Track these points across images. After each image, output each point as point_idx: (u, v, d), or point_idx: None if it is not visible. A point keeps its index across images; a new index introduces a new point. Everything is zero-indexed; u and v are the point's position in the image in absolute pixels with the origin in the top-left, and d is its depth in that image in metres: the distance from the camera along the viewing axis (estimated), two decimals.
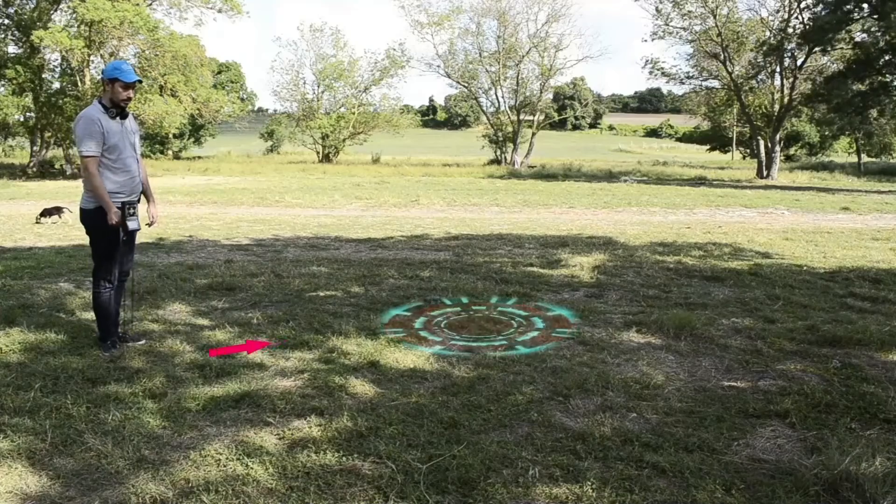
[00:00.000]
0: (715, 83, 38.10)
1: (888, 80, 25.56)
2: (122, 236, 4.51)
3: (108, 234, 4.45)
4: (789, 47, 31.32)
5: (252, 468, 2.92)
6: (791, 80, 32.25)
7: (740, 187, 24.71)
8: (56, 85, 31.11)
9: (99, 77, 29.26)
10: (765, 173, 32.01)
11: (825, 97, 27.50)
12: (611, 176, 31.01)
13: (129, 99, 4.43)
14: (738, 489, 2.80)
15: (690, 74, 37.54)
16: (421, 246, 9.72)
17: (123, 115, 4.48)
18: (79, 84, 28.60)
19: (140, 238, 11.03)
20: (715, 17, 32.55)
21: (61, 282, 6.79)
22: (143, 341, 4.73)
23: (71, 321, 5.24)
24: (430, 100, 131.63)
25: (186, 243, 9.93)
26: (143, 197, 4.74)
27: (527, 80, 42.98)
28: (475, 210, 15.90)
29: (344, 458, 3.02)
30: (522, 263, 8.06)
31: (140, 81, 4.52)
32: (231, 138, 62.00)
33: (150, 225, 4.88)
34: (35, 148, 31.84)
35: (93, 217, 4.46)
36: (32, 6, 30.01)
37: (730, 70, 33.42)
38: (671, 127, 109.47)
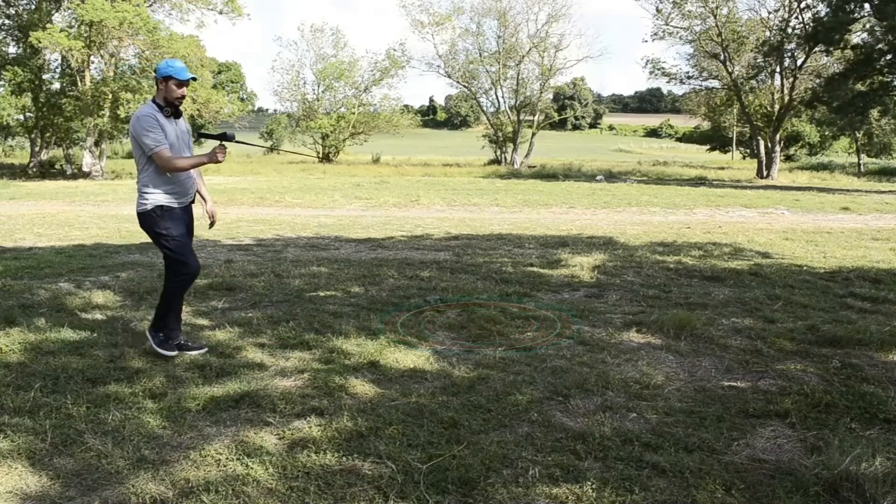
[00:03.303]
0: (715, 83, 38.13)
1: (888, 79, 25.54)
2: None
3: (172, 231, 4.30)
4: (789, 47, 31.32)
5: (252, 468, 2.92)
6: (791, 80, 32.26)
7: (740, 187, 24.71)
8: (56, 85, 31.10)
9: (99, 78, 29.36)
10: (765, 173, 32.03)
11: (825, 99, 27.49)
12: (611, 175, 31.02)
13: (184, 97, 4.30)
14: (738, 489, 2.79)
15: (690, 74, 37.60)
16: (421, 246, 9.71)
17: (177, 115, 4.34)
18: (78, 84, 28.59)
19: (140, 238, 11.02)
20: (715, 17, 32.56)
21: (61, 282, 6.79)
22: (205, 349, 4.55)
23: (71, 321, 5.23)
24: (431, 100, 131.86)
25: None
26: (197, 197, 4.60)
27: (527, 80, 43.01)
28: (475, 210, 15.90)
29: (344, 458, 3.02)
30: (522, 263, 8.06)
31: (194, 79, 4.38)
32: None
33: (210, 225, 4.71)
34: (35, 148, 31.83)
35: (151, 218, 4.29)
36: (33, 7, 30.00)
37: (730, 70, 33.43)
38: (671, 127, 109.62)
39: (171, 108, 4.28)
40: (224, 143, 4.27)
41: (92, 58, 28.48)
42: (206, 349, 4.55)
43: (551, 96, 60.34)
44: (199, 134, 4.98)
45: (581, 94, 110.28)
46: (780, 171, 33.11)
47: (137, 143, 4.21)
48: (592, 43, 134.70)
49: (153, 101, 4.31)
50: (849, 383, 3.98)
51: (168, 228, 4.30)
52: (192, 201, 4.52)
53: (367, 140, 46.69)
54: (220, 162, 4.23)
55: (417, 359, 4.38)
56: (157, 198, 4.28)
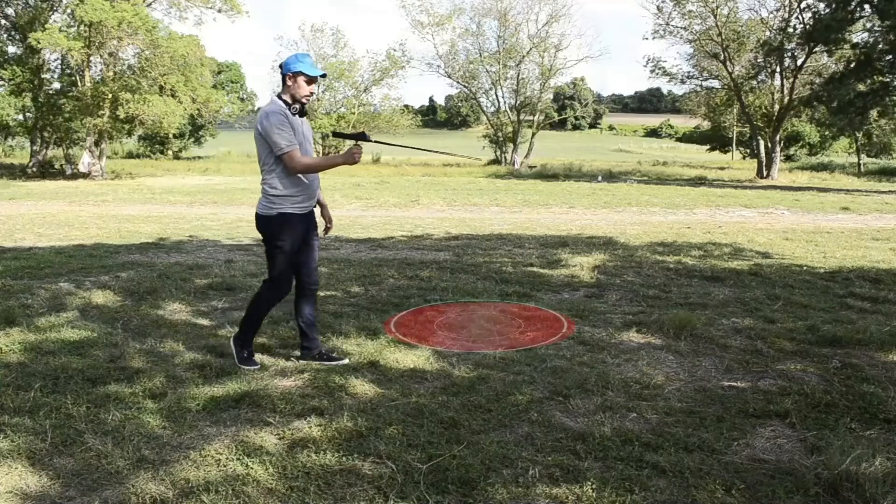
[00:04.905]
0: (715, 83, 38.11)
1: (888, 79, 25.52)
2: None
3: (286, 245, 4.16)
4: (789, 47, 31.30)
5: (252, 468, 2.92)
6: (791, 80, 32.25)
7: (740, 187, 24.70)
8: (56, 85, 31.09)
9: (99, 77, 29.34)
10: (765, 173, 32.00)
11: (825, 99, 27.46)
12: (611, 176, 31.02)
13: (313, 94, 4.08)
14: (738, 489, 2.80)
15: (691, 74, 37.58)
16: (421, 246, 9.71)
17: (303, 114, 4.13)
18: (78, 84, 28.58)
19: (140, 238, 11.01)
20: (715, 16, 32.54)
21: (61, 282, 6.79)
22: (345, 360, 4.38)
23: (71, 321, 5.23)
24: (431, 100, 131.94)
25: (186, 243, 9.93)
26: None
27: (527, 80, 43.00)
28: (475, 210, 15.90)
29: (344, 458, 3.02)
30: (522, 263, 8.06)
31: (324, 75, 4.16)
32: (231, 138, 61.92)
33: (326, 231, 4.52)
34: (35, 148, 31.82)
35: (272, 224, 4.12)
36: (31, 7, 29.98)
37: (730, 70, 33.42)
38: (671, 127, 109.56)
39: (298, 106, 4.07)
40: (360, 142, 4.08)
41: (91, 58, 28.46)
42: (346, 360, 4.38)
43: (551, 96, 60.27)
44: (333, 133, 4.84)
45: (581, 94, 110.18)
46: (780, 171, 33.06)
47: (265, 142, 4.02)
48: (592, 43, 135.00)
49: (279, 97, 4.09)
50: (849, 383, 3.98)
51: (283, 240, 4.15)
52: (314, 207, 4.34)
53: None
54: (356, 163, 4.02)
55: (417, 359, 4.38)
56: (284, 202, 4.08)
